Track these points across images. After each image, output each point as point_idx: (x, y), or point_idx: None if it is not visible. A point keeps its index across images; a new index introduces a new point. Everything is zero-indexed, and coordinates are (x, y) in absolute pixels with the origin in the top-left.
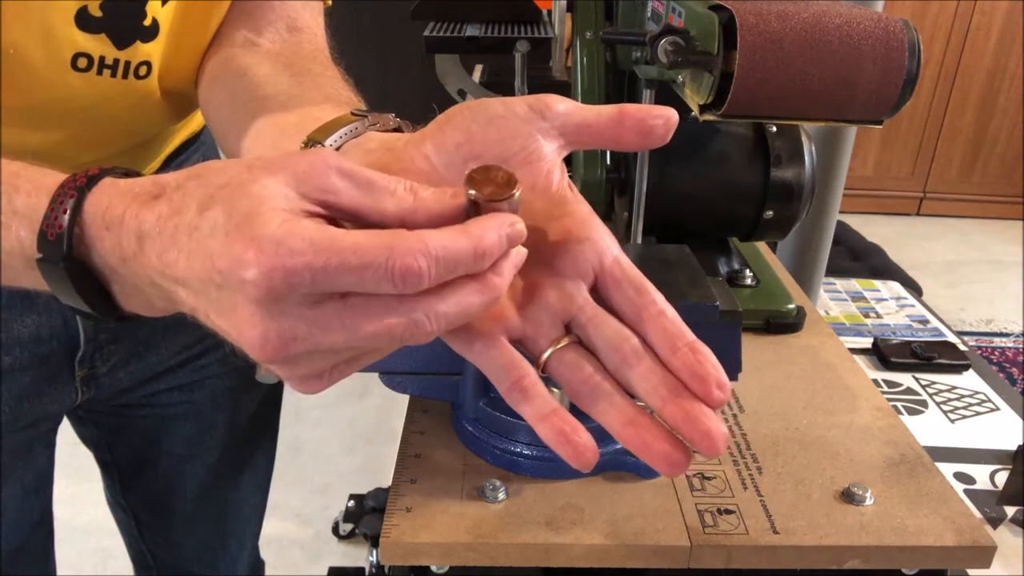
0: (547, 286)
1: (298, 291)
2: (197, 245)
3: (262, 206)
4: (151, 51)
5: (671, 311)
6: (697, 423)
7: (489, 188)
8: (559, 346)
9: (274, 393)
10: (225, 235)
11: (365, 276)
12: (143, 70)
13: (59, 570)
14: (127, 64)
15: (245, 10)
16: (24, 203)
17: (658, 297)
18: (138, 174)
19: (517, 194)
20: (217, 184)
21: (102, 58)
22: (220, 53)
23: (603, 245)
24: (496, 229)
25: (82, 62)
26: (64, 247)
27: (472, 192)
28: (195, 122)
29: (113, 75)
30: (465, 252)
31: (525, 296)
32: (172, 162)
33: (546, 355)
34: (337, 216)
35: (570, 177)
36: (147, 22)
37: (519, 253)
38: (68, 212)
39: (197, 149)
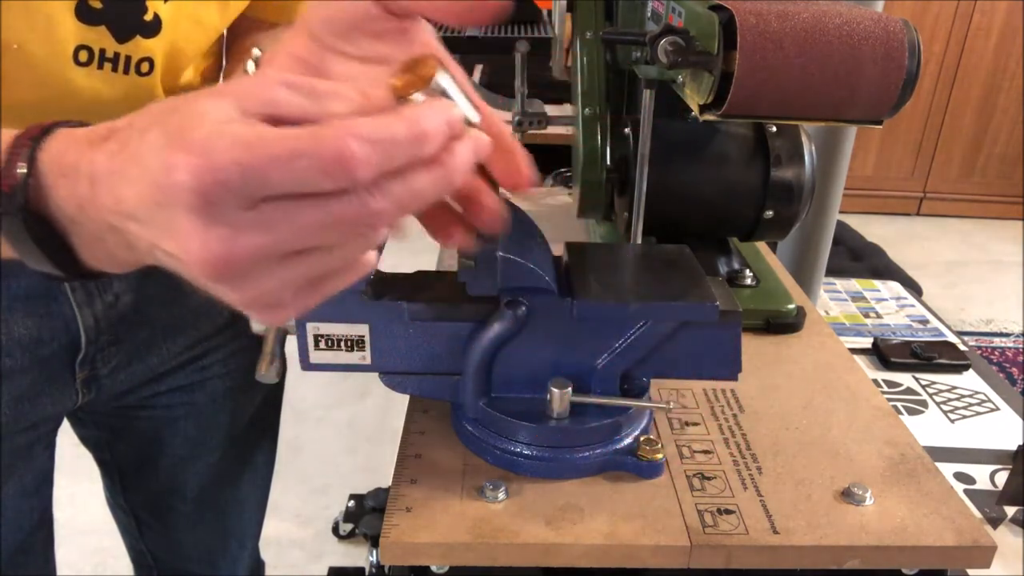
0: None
1: (231, 191)
2: (141, 170)
3: (200, 119)
4: (153, 48)
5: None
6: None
7: (408, 75)
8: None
9: (274, 394)
10: (160, 150)
11: (297, 168)
12: (145, 67)
13: (59, 571)
14: (128, 59)
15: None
16: None
17: None
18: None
19: (436, 77)
20: (161, 111)
21: (103, 51)
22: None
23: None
24: (434, 112)
25: (83, 55)
26: (20, 198)
27: (396, 85)
28: None
29: (114, 69)
30: (402, 133)
31: None
32: None
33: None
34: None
35: (570, 177)
36: (148, 17)
37: (478, 138)
38: (23, 162)
39: None
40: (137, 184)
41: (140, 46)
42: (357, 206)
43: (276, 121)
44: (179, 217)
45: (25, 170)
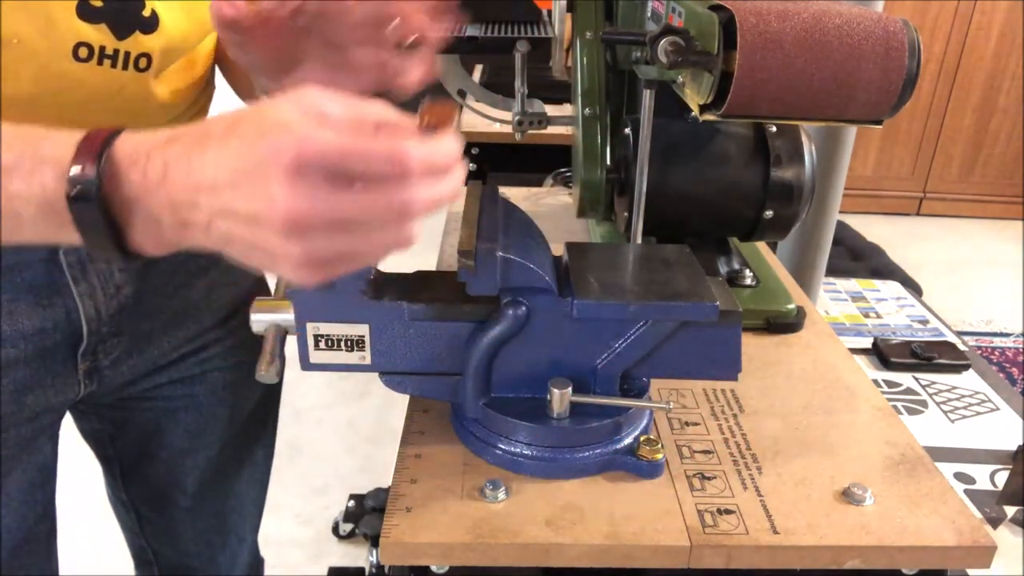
0: None
1: (321, 168)
2: (229, 150)
3: (287, 115)
4: (151, 44)
5: None
6: None
7: (436, 118)
8: None
9: (274, 389)
10: (258, 134)
11: (371, 158)
12: (143, 62)
13: (60, 567)
14: (127, 55)
15: None
16: (51, 152)
17: None
18: None
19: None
20: (234, 118)
21: (103, 48)
22: None
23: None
24: (452, 144)
25: (83, 52)
26: (96, 185)
27: (426, 120)
28: (196, 120)
29: (113, 65)
30: (440, 153)
31: None
32: None
33: None
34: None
35: (570, 177)
36: (146, 13)
37: (462, 171)
38: (97, 156)
39: None
40: (226, 160)
41: (139, 42)
42: (402, 192)
43: (325, 123)
44: (272, 177)
45: (101, 161)
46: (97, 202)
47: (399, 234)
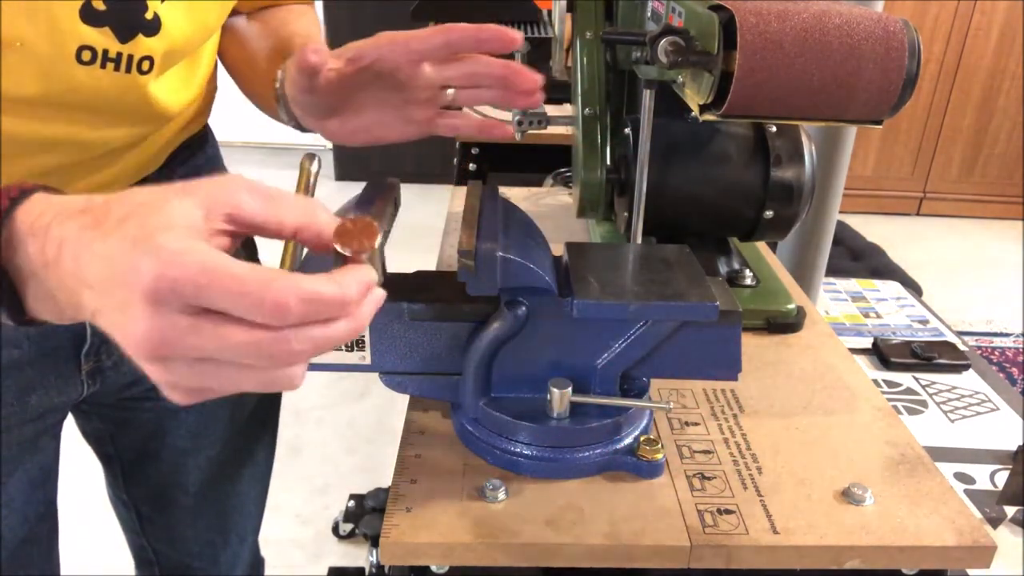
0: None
1: (181, 299)
2: (108, 250)
3: (170, 222)
4: (154, 46)
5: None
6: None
7: (354, 242)
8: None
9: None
10: (132, 243)
11: (240, 302)
12: (145, 65)
13: (61, 567)
14: (130, 58)
15: None
16: None
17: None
18: (62, 192)
19: (378, 244)
20: (137, 202)
21: (105, 51)
22: None
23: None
24: (360, 283)
25: (86, 55)
26: None
27: (338, 246)
28: (197, 121)
29: (116, 68)
30: (332, 299)
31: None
32: (177, 158)
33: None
34: (242, 230)
35: (570, 177)
36: (148, 16)
37: (380, 295)
38: None
39: (201, 147)
40: (102, 262)
41: (141, 45)
42: (280, 341)
43: (236, 221)
44: (131, 302)
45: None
46: None
47: (277, 375)
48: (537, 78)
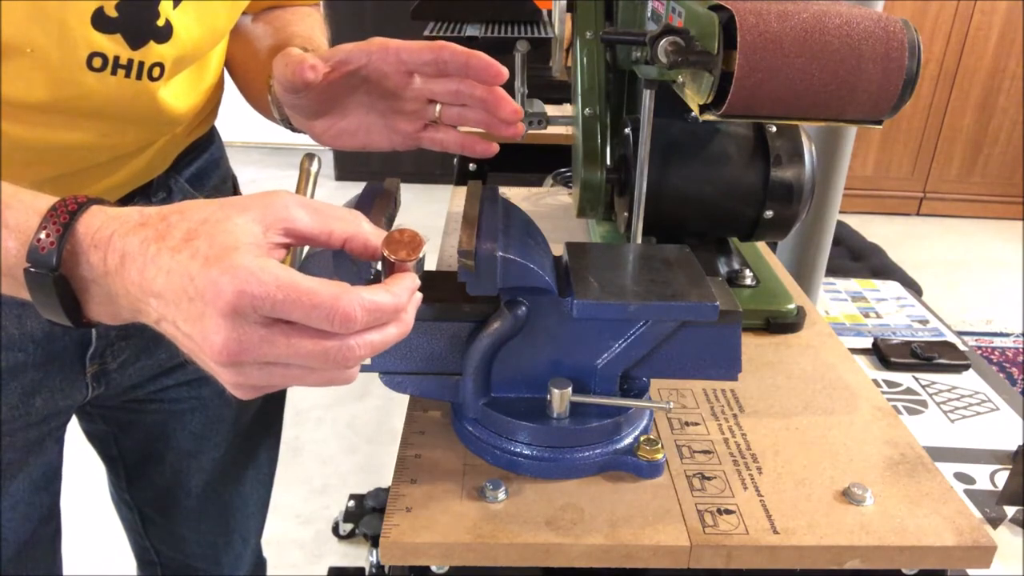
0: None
1: (258, 312)
2: (177, 265)
3: (239, 241)
4: (165, 53)
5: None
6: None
7: (403, 251)
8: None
9: (277, 391)
10: (205, 261)
11: (313, 314)
12: (156, 71)
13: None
14: (140, 64)
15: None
16: (16, 220)
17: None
18: (119, 205)
19: (423, 255)
20: (198, 219)
21: (116, 58)
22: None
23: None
24: (409, 291)
25: (97, 62)
26: (54, 260)
27: (387, 254)
28: (205, 124)
29: (127, 75)
30: (389, 307)
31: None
32: (183, 160)
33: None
34: (296, 242)
35: (570, 177)
36: (160, 22)
37: (419, 298)
38: (61, 231)
39: (207, 148)
40: (173, 276)
41: (152, 52)
42: (343, 346)
43: (291, 234)
44: (208, 315)
45: (61, 236)
46: (53, 279)
47: (337, 375)
48: (518, 109)
